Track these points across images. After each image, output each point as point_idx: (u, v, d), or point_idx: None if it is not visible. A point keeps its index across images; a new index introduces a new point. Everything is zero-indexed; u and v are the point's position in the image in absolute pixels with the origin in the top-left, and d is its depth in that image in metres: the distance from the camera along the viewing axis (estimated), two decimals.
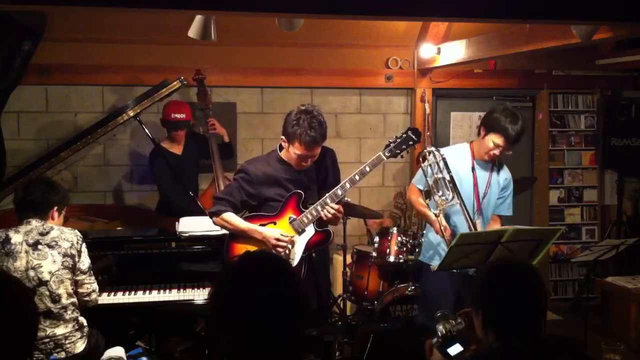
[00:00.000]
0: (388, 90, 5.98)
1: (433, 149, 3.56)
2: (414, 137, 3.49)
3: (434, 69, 5.83)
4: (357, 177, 3.43)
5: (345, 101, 5.94)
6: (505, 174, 3.95)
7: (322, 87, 5.85)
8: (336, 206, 3.43)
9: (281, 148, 3.54)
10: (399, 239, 4.69)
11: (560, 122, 6.42)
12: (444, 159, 3.53)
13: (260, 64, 5.63)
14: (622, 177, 6.36)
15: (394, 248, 4.67)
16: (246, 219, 3.53)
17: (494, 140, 3.71)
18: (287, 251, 3.45)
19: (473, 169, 3.82)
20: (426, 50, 5.61)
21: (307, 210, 3.46)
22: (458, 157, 3.83)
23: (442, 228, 3.60)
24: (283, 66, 5.69)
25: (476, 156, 3.85)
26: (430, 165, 3.57)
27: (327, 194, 3.43)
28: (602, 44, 5.84)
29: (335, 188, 3.44)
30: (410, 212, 5.27)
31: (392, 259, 4.65)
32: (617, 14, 3.08)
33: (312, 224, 3.49)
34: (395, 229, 4.80)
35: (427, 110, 5.93)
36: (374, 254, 4.76)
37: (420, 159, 3.62)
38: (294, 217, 3.48)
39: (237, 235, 3.53)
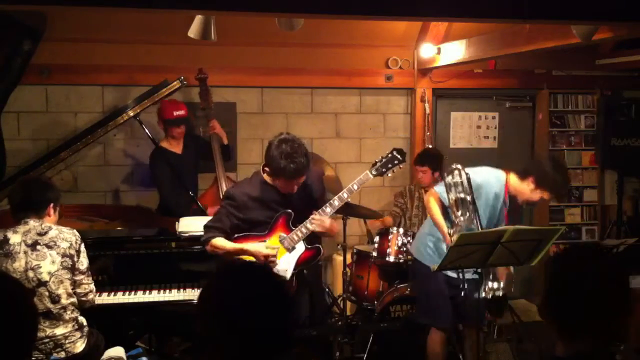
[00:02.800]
0: (388, 90, 5.98)
1: (459, 167, 3.58)
2: (398, 156, 3.60)
3: (434, 69, 5.82)
4: (345, 195, 3.51)
5: (345, 101, 5.93)
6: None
7: (322, 87, 5.84)
8: (319, 217, 3.46)
9: (264, 170, 3.53)
10: (399, 239, 4.69)
11: (560, 122, 6.43)
12: (468, 179, 3.57)
13: (260, 64, 5.63)
14: (622, 177, 6.36)
15: (394, 248, 4.67)
16: (237, 239, 3.53)
17: (543, 196, 3.73)
18: (276, 262, 3.48)
19: (505, 203, 3.83)
20: (426, 50, 5.61)
21: (296, 228, 3.51)
22: (493, 184, 3.83)
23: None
24: (283, 66, 5.68)
25: (510, 192, 3.83)
26: (454, 183, 3.61)
27: (315, 212, 3.48)
28: (602, 44, 5.84)
29: (324, 206, 3.50)
30: (410, 212, 5.27)
31: (392, 259, 4.66)
32: (617, 14, 3.08)
33: (302, 242, 3.53)
34: (395, 229, 4.80)
35: (427, 110, 5.93)
36: (374, 254, 4.76)
37: (445, 174, 3.68)
38: (284, 235, 3.52)
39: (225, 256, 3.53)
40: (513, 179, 3.82)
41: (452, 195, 3.61)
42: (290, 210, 3.52)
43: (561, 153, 6.42)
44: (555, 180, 3.68)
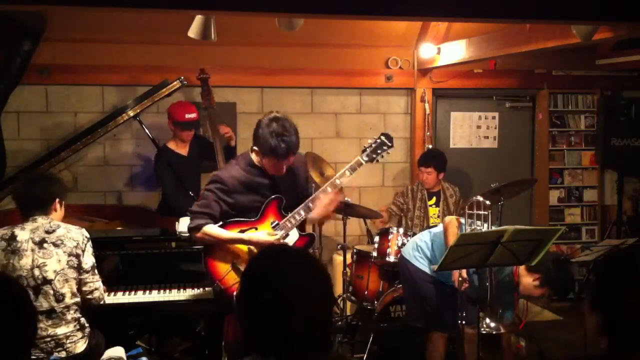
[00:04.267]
0: (388, 90, 5.98)
1: (485, 202, 3.64)
2: (387, 142, 3.58)
3: (434, 69, 5.83)
4: (337, 181, 3.47)
5: (345, 101, 5.93)
6: None
7: (322, 87, 5.84)
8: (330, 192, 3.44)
9: (252, 150, 3.47)
10: (399, 239, 4.69)
11: (560, 122, 6.43)
12: (489, 215, 3.63)
13: (260, 64, 5.63)
14: (622, 177, 6.36)
15: (394, 248, 4.67)
16: (225, 225, 3.45)
17: (544, 293, 3.78)
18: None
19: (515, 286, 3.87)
20: (426, 50, 5.61)
21: (290, 215, 3.46)
22: None
23: (460, 278, 3.67)
24: (283, 66, 5.68)
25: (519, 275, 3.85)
26: (475, 216, 3.66)
27: (309, 198, 3.45)
28: (602, 44, 5.84)
29: (317, 192, 3.46)
30: (412, 213, 5.27)
31: (392, 259, 4.65)
32: (617, 14, 3.08)
33: (295, 228, 3.50)
34: (395, 228, 4.80)
35: (427, 110, 5.93)
36: (374, 254, 4.76)
37: (466, 207, 3.75)
38: (277, 221, 3.48)
39: (213, 249, 3.47)
40: (522, 267, 3.79)
41: (469, 227, 3.70)
42: (281, 196, 3.47)
43: (561, 153, 6.44)
44: (558, 280, 3.69)
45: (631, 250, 1.93)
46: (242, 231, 3.47)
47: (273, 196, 3.47)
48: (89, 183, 5.47)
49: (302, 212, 3.45)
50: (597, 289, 1.72)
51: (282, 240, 3.46)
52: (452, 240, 3.81)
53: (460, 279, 3.68)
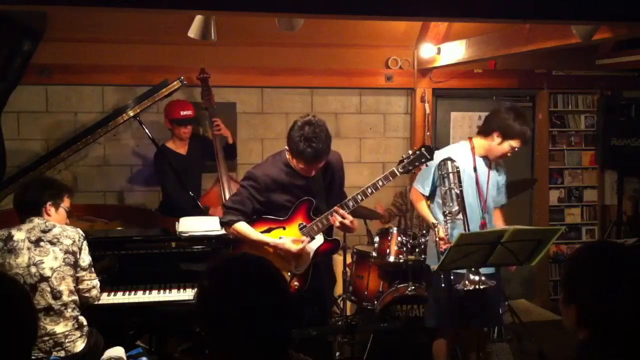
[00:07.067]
0: (388, 90, 5.98)
1: (450, 158, 3.62)
2: (427, 154, 3.45)
3: (434, 69, 5.82)
4: (369, 191, 3.42)
5: (345, 101, 5.93)
6: (502, 169, 3.99)
7: (322, 87, 5.84)
8: (342, 212, 3.38)
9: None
10: (399, 239, 4.69)
11: (560, 122, 6.43)
12: (458, 172, 3.61)
13: (260, 64, 5.63)
14: (622, 177, 6.36)
15: (394, 248, 4.67)
16: (255, 222, 3.50)
17: (512, 144, 3.75)
18: (305, 249, 3.44)
19: (475, 169, 3.83)
20: (426, 50, 5.61)
21: (317, 219, 3.45)
22: (459, 157, 3.83)
23: (437, 239, 3.66)
24: (283, 66, 5.68)
25: (477, 153, 3.85)
26: (446, 175, 3.64)
27: (338, 204, 3.42)
28: (602, 44, 5.84)
29: (347, 199, 3.43)
30: (411, 213, 5.27)
31: (392, 259, 4.66)
32: (617, 14, 3.08)
33: (321, 233, 3.48)
34: (395, 228, 4.80)
35: (427, 110, 5.93)
36: (374, 254, 4.76)
37: (436, 167, 3.72)
38: (304, 224, 3.47)
39: (242, 245, 3.51)
40: (477, 141, 3.88)
41: (444, 189, 3.68)
42: (312, 198, 3.46)
43: (561, 153, 6.44)
44: (513, 126, 3.73)
45: (600, 244, 1.97)
46: (270, 229, 3.49)
47: (304, 198, 3.46)
48: (89, 183, 5.47)
49: (330, 218, 3.42)
50: (571, 283, 1.76)
51: (307, 246, 3.45)
52: (416, 205, 3.97)
53: (436, 239, 3.67)
